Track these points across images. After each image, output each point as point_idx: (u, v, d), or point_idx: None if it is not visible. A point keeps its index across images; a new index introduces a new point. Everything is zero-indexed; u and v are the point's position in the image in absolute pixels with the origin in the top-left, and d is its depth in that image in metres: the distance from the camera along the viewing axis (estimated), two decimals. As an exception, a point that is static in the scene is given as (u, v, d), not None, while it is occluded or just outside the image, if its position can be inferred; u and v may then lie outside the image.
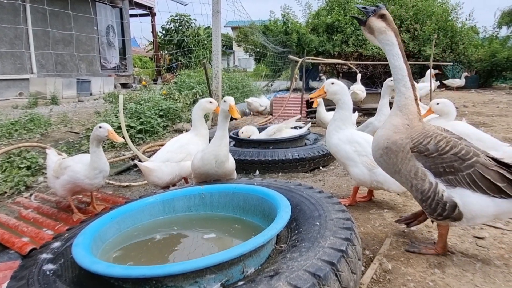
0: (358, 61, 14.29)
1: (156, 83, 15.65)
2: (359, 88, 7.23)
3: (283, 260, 1.52)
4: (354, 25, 14.45)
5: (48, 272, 1.59)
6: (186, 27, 19.25)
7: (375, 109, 4.32)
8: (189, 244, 1.99)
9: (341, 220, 1.78)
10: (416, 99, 1.99)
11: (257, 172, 3.81)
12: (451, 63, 14.32)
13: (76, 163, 2.67)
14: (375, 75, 14.97)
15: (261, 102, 7.86)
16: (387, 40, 1.99)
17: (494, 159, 1.88)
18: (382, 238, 2.26)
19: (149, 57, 26.21)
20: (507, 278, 1.79)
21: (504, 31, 16.62)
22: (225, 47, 29.31)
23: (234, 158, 3.76)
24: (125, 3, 17.29)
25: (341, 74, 15.17)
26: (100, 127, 2.65)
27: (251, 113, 7.94)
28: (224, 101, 2.56)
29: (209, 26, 6.48)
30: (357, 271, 1.58)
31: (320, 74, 13.63)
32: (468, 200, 1.82)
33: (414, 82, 2.03)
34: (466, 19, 16.10)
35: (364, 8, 2.04)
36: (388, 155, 1.96)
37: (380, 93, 4.27)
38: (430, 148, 1.85)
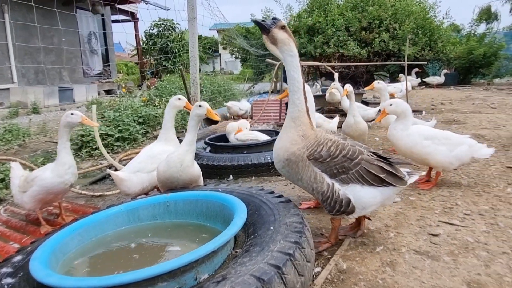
0: (339, 61, 14.45)
1: (140, 89, 15.60)
2: (336, 88, 6.91)
3: (233, 265, 1.58)
4: (335, 26, 14.61)
5: (6, 286, 1.62)
6: (169, 31, 19.23)
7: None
8: (151, 253, 2.04)
9: (294, 224, 1.84)
10: (307, 111, 2.13)
11: (231, 177, 3.87)
12: (426, 63, 14.58)
13: (42, 171, 2.69)
14: (357, 75, 15.15)
15: (241, 106, 7.91)
16: (290, 51, 2.06)
17: (375, 153, 2.16)
18: (341, 239, 2.33)
19: (135, 63, 26.07)
20: (453, 273, 1.88)
21: (482, 28, 17.03)
22: (211, 50, 29.31)
23: (208, 164, 3.84)
24: (107, 10, 17.19)
25: (324, 77, 15.31)
26: (72, 114, 2.61)
27: (232, 117, 7.99)
28: (200, 106, 2.57)
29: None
30: (305, 273, 1.64)
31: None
32: (359, 194, 2.10)
33: (306, 95, 2.14)
34: (443, 17, 16.46)
35: (263, 21, 2.07)
36: (290, 166, 2.11)
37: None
38: (323, 154, 2.06)
